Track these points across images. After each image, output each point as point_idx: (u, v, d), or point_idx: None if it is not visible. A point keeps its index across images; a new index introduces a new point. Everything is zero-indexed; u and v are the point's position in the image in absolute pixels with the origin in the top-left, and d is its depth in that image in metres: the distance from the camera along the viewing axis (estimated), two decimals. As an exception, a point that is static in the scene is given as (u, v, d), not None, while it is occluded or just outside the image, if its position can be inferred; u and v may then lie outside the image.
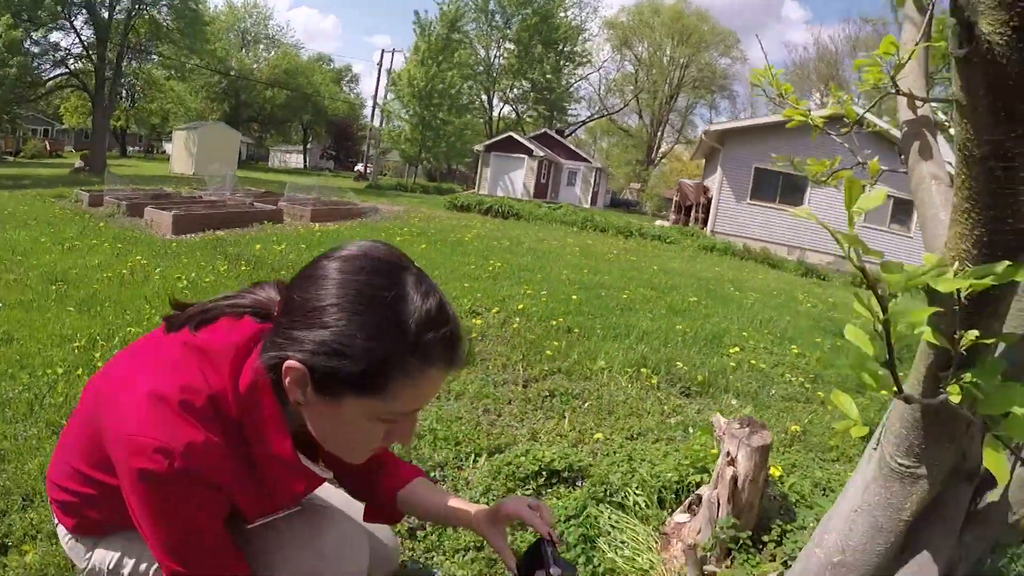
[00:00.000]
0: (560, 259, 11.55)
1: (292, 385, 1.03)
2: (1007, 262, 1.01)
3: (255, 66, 56.76)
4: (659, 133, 62.86)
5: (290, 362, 1.01)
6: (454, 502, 1.60)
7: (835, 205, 20.05)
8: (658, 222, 26.77)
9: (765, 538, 2.42)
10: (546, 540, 1.40)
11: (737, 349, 6.22)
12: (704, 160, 30.76)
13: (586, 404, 4.15)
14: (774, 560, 2.28)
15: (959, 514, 1.76)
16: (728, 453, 2.31)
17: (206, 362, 1.10)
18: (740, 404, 4.74)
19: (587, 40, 60.81)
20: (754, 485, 2.31)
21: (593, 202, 40.87)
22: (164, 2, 32.89)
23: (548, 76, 54.96)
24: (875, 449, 1.66)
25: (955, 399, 1.12)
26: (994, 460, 1.08)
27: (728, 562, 2.28)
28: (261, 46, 60.13)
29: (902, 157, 2.58)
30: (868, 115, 3.03)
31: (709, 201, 25.03)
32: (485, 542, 2.43)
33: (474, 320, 5.69)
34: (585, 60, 60.49)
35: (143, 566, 1.33)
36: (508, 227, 17.37)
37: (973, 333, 1.11)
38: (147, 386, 1.06)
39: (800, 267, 19.49)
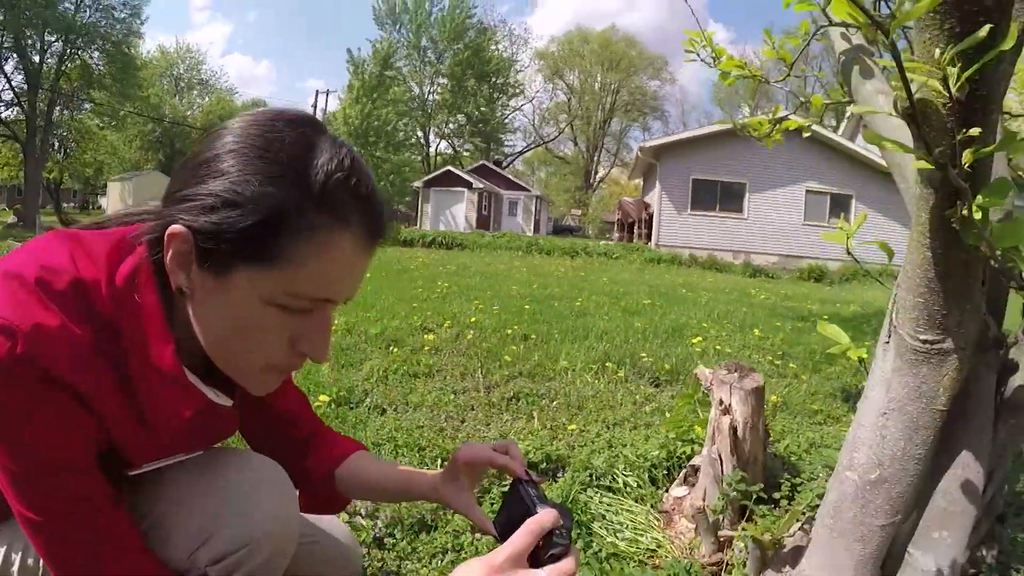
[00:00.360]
0: (509, 278, 11.37)
1: (175, 262, 0.83)
2: (988, 25, 0.90)
3: (189, 113, 55.50)
4: (595, 158, 63.82)
5: (173, 227, 0.80)
6: (404, 470, 1.29)
7: (772, 208, 20.56)
8: (603, 242, 26.88)
9: (776, 495, 2.18)
10: (524, 481, 1.07)
11: (700, 339, 6.05)
12: (642, 179, 31.07)
13: (554, 403, 3.89)
14: (798, 508, 2.04)
15: (989, 406, 1.64)
16: (721, 402, 2.09)
17: (78, 248, 0.85)
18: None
19: (519, 71, 61.79)
20: (755, 433, 2.09)
21: (536, 230, 40.98)
22: (96, 46, 32.44)
23: (482, 109, 55.42)
24: (888, 341, 1.50)
25: (977, 216, 1.06)
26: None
27: (743, 523, 2.03)
28: (195, 92, 59.07)
29: (843, 87, 2.53)
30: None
31: (651, 216, 25.24)
32: (468, 533, 2.16)
33: (426, 336, 5.41)
34: (518, 91, 61.29)
35: (31, 560, 1.00)
36: (453, 256, 17.20)
37: (975, 131, 1.00)
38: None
39: (747, 269, 19.78)
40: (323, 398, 3.43)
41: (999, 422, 1.71)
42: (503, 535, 0.94)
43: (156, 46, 56.84)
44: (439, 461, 2.87)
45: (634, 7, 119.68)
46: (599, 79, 61.25)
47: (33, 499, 0.83)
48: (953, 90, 0.94)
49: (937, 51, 0.97)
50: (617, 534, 2.19)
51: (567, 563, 0.88)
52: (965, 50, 0.93)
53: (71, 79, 32.84)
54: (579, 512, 2.29)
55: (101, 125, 38.01)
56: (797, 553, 1.78)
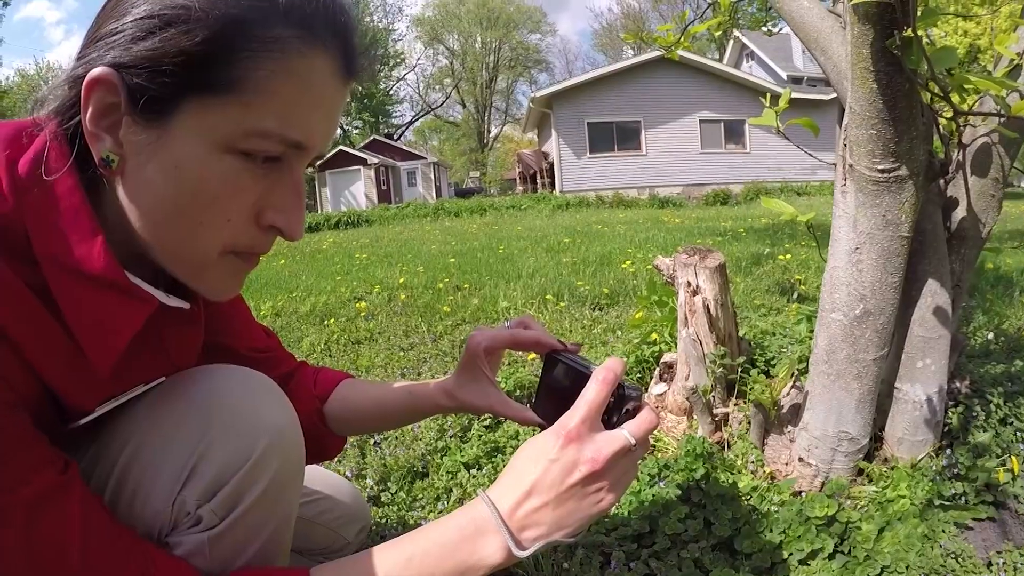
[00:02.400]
0: (425, 241, 11.25)
1: (98, 120, 0.62)
2: None
3: None
4: (486, 118, 63.46)
5: (92, 72, 0.60)
6: (403, 385, 1.12)
7: (669, 141, 20.90)
8: (508, 196, 26.88)
9: (754, 371, 2.20)
10: (561, 352, 0.95)
11: (629, 263, 6.11)
12: (536, 130, 31.05)
13: (505, 341, 3.86)
14: (788, 368, 2.07)
15: (941, 238, 1.72)
16: (688, 283, 2.08)
17: None
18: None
19: (397, 41, 60.63)
20: (726, 310, 2.11)
21: (438, 196, 40.68)
22: None
23: (366, 83, 54.33)
24: (845, 183, 1.56)
25: (920, 33, 1.13)
26: (980, 82, 1.17)
27: (734, 398, 2.03)
28: None
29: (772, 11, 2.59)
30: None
31: (551, 165, 25.31)
32: (464, 470, 2.10)
33: (358, 304, 5.28)
34: (399, 61, 60.19)
35: None
36: (362, 232, 16.89)
37: None
38: None
39: (654, 202, 20.15)
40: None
41: (951, 253, 1.80)
42: (553, 417, 0.76)
43: (15, 71, 53.39)
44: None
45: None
46: (479, 39, 60.72)
47: None
48: None
49: None
50: (609, 437, 2.18)
51: (647, 416, 0.75)
52: None
53: (-75, 114, 30.89)
54: (564, 425, 2.27)
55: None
56: (795, 411, 1.80)
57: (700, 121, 23.87)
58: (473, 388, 1.04)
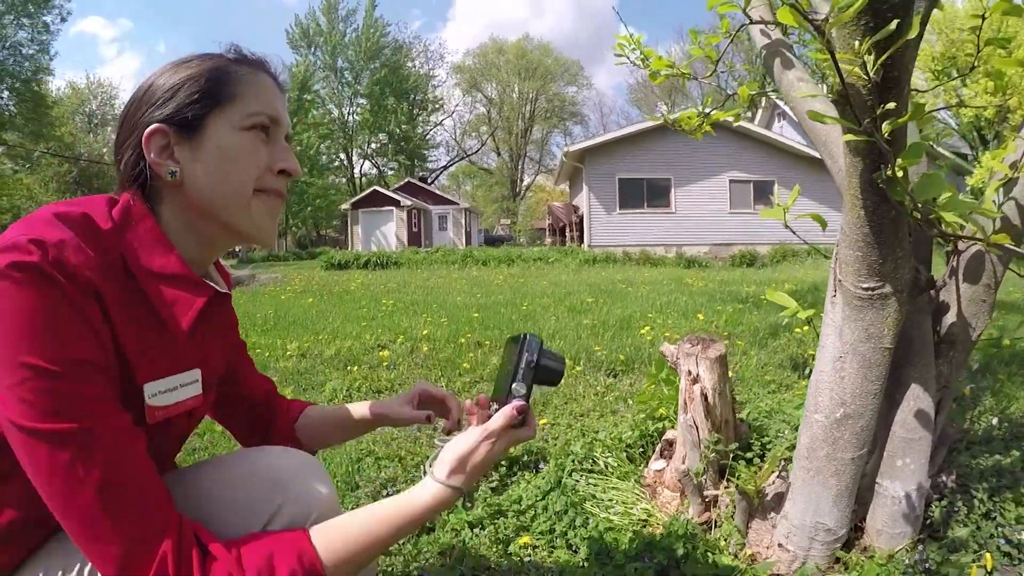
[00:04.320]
0: (450, 290, 11.44)
1: (160, 155, 1.00)
2: (896, 20, 1.10)
3: (105, 150, 51.89)
4: (520, 167, 64.14)
5: (147, 129, 0.99)
6: (358, 406, 1.47)
7: (699, 200, 20.99)
8: (536, 248, 27.09)
9: (748, 454, 2.34)
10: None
11: (648, 328, 6.24)
12: (568, 183, 31.40)
13: (519, 401, 4.01)
14: (774, 459, 2.20)
15: (929, 344, 1.85)
16: (689, 372, 2.23)
17: (76, 203, 0.96)
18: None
19: (437, 87, 62.01)
20: (723, 398, 2.25)
21: (467, 242, 41.02)
22: (4, 85, 31.27)
23: (403, 126, 55.28)
24: (835, 295, 1.69)
25: (900, 174, 1.26)
26: (951, 216, 1.25)
27: (724, 481, 2.17)
28: (109, 128, 55.21)
29: (768, 78, 2.77)
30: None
31: (581, 219, 25.53)
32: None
33: (381, 352, 5.46)
34: (438, 106, 61.36)
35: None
36: (390, 275, 17.16)
37: (891, 105, 1.19)
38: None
39: (680, 260, 20.23)
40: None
41: (939, 357, 1.93)
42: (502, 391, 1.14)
43: (66, 83, 54.51)
44: (422, 469, 2.95)
45: (542, 14, 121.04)
46: (517, 88, 61.77)
47: (61, 404, 0.81)
48: (871, 73, 1.13)
49: (856, 43, 1.15)
50: (609, 510, 2.32)
51: (503, 417, 1.08)
52: (878, 41, 1.12)
53: (-21, 121, 31.59)
54: (569, 494, 2.41)
55: (16, 168, 36.56)
56: (779, 498, 1.94)
57: (730, 181, 24.01)
58: (395, 408, 1.43)
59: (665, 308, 8.09)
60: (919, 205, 1.27)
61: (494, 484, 2.66)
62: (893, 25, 1.08)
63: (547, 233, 33.73)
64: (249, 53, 1.11)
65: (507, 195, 63.14)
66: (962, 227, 1.54)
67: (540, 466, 2.84)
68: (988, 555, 1.86)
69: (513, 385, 1.10)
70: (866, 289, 1.59)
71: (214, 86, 1.01)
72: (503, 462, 2.79)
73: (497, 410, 1.09)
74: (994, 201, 1.80)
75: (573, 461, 2.71)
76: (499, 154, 64.92)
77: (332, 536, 0.96)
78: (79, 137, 49.86)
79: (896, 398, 1.84)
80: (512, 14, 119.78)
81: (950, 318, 1.90)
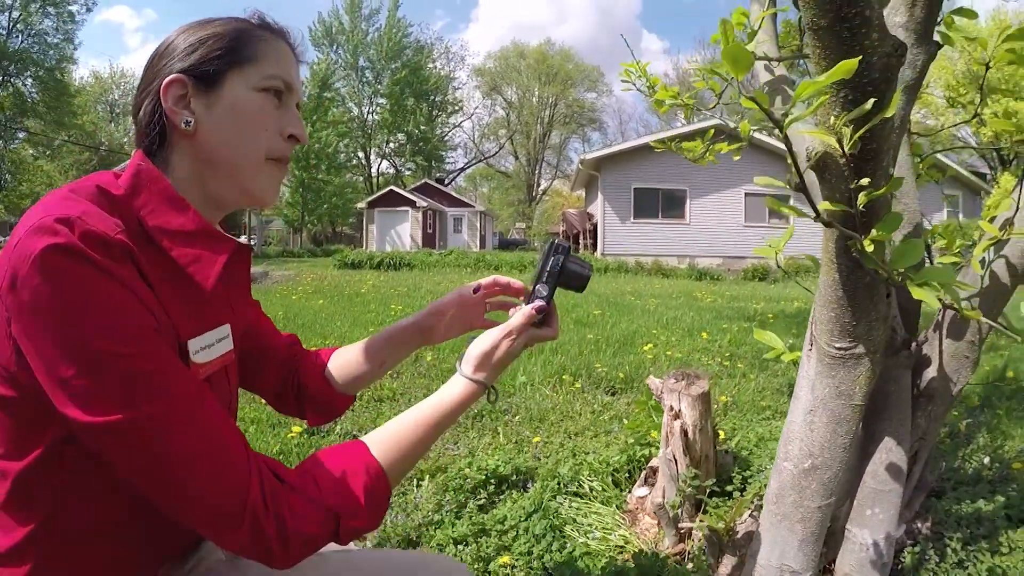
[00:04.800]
0: (461, 296, 11.47)
1: (176, 104, 1.01)
2: (872, 99, 1.11)
3: (126, 140, 53.39)
4: (537, 171, 64.24)
5: (167, 78, 1.00)
6: (380, 335, 1.42)
7: (714, 213, 20.95)
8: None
9: (728, 488, 2.41)
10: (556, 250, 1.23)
11: (651, 346, 6.29)
12: (584, 190, 31.44)
13: (517, 417, 4.07)
14: (747, 498, 2.26)
15: (906, 399, 1.88)
16: (671, 408, 2.29)
17: (85, 179, 0.96)
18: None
19: (457, 88, 62.23)
20: (704, 435, 2.30)
21: (482, 245, 41.12)
22: (29, 73, 31.51)
23: (422, 127, 55.37)
24: (811, 349, 1.73)
25: (869, 248, 1.24)
26: (922, 293, 1.18)
27: (700, 515, 2.24)
28: (131, 119, 56.49)
29: (768, 114, 2.80)
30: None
31: (595, 227, 25.57)
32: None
33: (387, 359, 5.53)
34: (457, 108, 61.61)
35: None
36: (402, 277, 17.25)
37: (865, 180, 1.21)
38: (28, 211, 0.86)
39: (692, 272, 20.21)
40: (296, 429, 3.56)
41: (918, 410, 1.96)
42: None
43: (90, 71, 54.96)
44: (415, 482, 3.02)
45: (565, 19, 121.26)
46: (537, 93, 61.88)
47: (136, 386, 0.81)
48: (846, 149, 1.16)
49: (832, 117, 1.19)
50: (588, 534, 2.38)
51: (523, 317, 1.16)
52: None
53: (3, 108, 32.01)
54: (551, 517, 2.48)
55: (36, 155, 36.82)
56: (749, 537, 1.99)
57: (745, 194, 23.97)
58: (439, 303, 1.38)
59: (671, 324, 8.14)
60: (893, 273, 1.26)
61: (481, 502, 2.73)
62: (869, 105, 1.10)
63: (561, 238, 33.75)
64: (272, 21, 1.13)
65: (523, 199, 63.21)
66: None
67: (528, 485, 2.91)
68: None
69: (536, 286, 1.19)
70: (838, 348, 1.61)
71: (236, 44, 1.03)
72: (491, 481, 2.87)
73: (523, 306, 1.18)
74: (982, 260, 1.84)
75: (559, 484, 2.78)
76: (516, 158, 65.00)
77: (388, 445, 1.02)
78: (100, 126, 50.20)
79: (869, 450, 1.88)
80: (535, 18, 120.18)
81: (931, 372, 1.92)
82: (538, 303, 1.17)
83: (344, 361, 1.40)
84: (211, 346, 1.04)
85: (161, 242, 0.94)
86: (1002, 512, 2.58)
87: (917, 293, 1.19)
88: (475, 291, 1.36)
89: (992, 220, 1.81)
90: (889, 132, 1.28)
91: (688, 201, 24.10)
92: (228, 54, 1.02)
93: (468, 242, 40.56)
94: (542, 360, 5.62)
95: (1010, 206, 1.76)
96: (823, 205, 1.30)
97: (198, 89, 1.00)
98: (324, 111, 36.16)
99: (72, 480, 0.90)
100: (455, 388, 1.10)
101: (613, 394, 4.76)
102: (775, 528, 1.84)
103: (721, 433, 3.20)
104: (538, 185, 64.67)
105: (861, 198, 1.21)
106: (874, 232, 1.24)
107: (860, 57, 1.08)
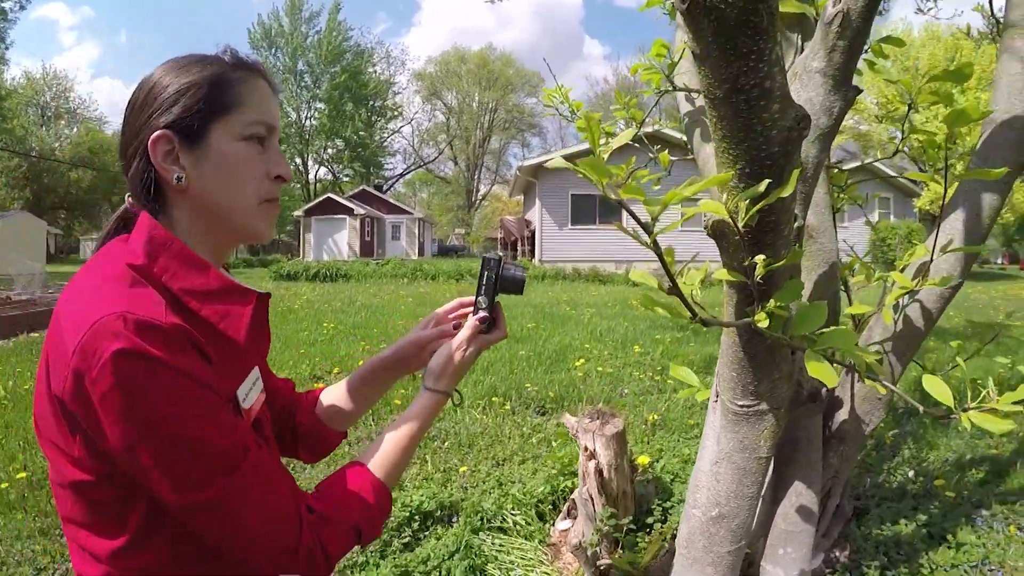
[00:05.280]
0: (395, 311, 11.41)
1: (165, 160, 1.02)
2: (768, 180, 1.11)
3: (57, 145, 50.96)
4: (476, 176, 64.13)
5: (152, 136, 1.01)
6: (362, 369, 1.47)
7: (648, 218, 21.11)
8: (488, 261, 27.08)
9: (649, 519, 2.44)
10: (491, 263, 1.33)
11: (582, 361, 6.34)
12: (523, 196, 31.50)
13: (446, 443, 4.05)
14: (662, 536, 2.29)
15: (816, 444, 1.91)
16: (586, 448, 2.31)
17: (105, 257, 1.01)
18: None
19: (397, 93, 61.28)
20: (619, 473, 2.32)
21: (420, 252, 40.90)
22: None
23: (361, 133, 54.51)
24: (716, 401, 1.74)
25: (763, 324, 1.21)
26: (818, 368, 1.12)
27: (619, 550, 2.26)
28: (63, 122, 53.88)
29: (688, 145, 2.81)
30: (667, 131, 3.23)
31: (533, 234, 25.63)
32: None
33: (316, 384, 5.47)
34: (397, 113, 60.82)
35: None
36: (338, 289, 17.03)
37: (760, 258, 1.20)
38: (69, 306, 0.91)
39: (630, 279, 20.30)
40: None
41: (830, 451, 2.00)
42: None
43: (22, 72, 52.63)
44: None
45: (508, 25, 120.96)
46: (477, 98, 61.72)
47: (198, 471, 0.88)
48: (740, 225, 1.16)
49: (726, 195, 1.19)
50: (510, 573, 2.38)
51: (469, 330, 1.26)
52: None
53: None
54: (473, 557, 2.47)
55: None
56: (667, 569, 2.01)
57: (683, 202, 24.23)
58: (411, 335, 1.41)
59: (604, 336, 8.19)
60: (793, 339, 1.23)
61: (407, 540, 2.71)
62: (762, 186, 1.09)
63: (499, 246, 33.79)
64: (245, 57, 1.13)
65: (462, 205, 63.09)
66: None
67: (455, 519, 2.90)
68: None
69: (477, 299, 1.30)
70: (741, 406, 1.63)
71: (216, 94, 1.04)
72: (416, 517, 2.85)
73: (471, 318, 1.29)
74: (894, 307, 1.88)
75: (482, 519, 2.77)
76: (456, 163, 64.82)
77: (382, 462, 1.13)
78: (31, 131, 48.10)
79: (779, 494, 1.91)
80: (477, 23, 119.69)
81: (842, 415, 1.96)
82: (481, 314, 1.28)
83: (332, 399, 1.45)
84: (251, 389, 1.11)
85: (189, 304, 0.99)
86: (922, 532, 2.66)
87: (814, 369, 1.13)
88: (455, 327, 1.41)
89: (903, 270, 1.83)
90: (790, 205, 1.27)
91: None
92: (209, 105, 1.03)
93: (407, 249, 40.30)
94: (472, 380, 5.61)
95: (925, 253, 1.78)
96: (719, 273, 1.30)
97: (184, 144, 1.02)
98: (260, 117, 35.40)
99: (160, 554, 0.97)
100: (423, 401, 1.20)
101: (543, 414, 4.77)
102: (687, 570, 1.86)
103: (644, 459, 3.24)
104: (477, 191, 64.60)
105: (759, 268, 1.20)
106: (771, 303, 1.22)
107: (756, 132, 1.09)
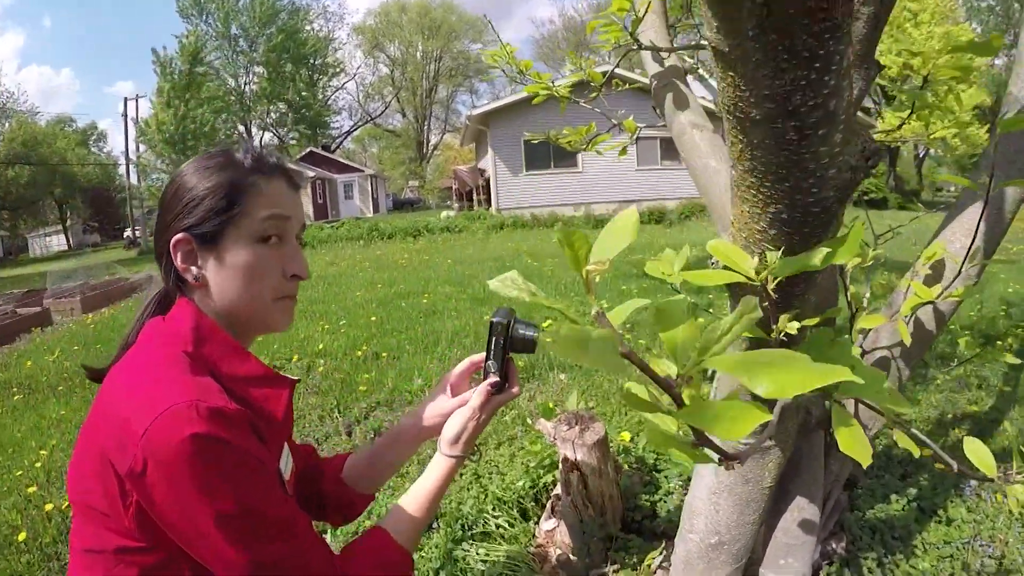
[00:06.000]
0: (353, 279, 11.16)
1: (186, 261, 1.10)
2: (825, 250, 0.86)
3: None
4: (426, 127, 63.11)
5: (174, 239, 1.08)
6: (387, 434, 1.49)
7: (606, 158, 21.00)
8: (444, 213, 26.78)
9: (637, 516, 2.31)
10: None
11: (550, 321, 6.18)
12: (475, 144, 31.03)
13: (418, 428, 3.88)
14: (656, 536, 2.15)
15: (818, 456, 1.77)
16: (566, 459, 2.14)
17: (154, 340, 1.08)
18: (569, 378, 4.67)
19: (338, 50, 59.42)
20: (604, 478, 2.18)
21: (375, 209, 40.34)
22: None
23: (304, 94, 52.99)
24: None
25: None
26: (853, 445, 0.91)
27: (609, 552, 2.12)
28: None
29: (657, 111, 2.58)
30: (619, 72, 2.98)
31: (488, 182, 25.31)
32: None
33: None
34: (339, 70, 59.08)
35: None
36: (295, 257, 16.70)
37: (786, 319, 0.99)
38: (132, 391, 0.98)
39: (589, 220, 20.32)
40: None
41: (831, 458, 1.86)
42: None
43: None
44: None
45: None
46: (420, 48, 60.24)
47: (269, 537, 0.97)
48: (770, 289, 0.93)
49: (756, 259, 0.95)
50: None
51: (481, 395, 1.27)
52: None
53: None
54: (458, 572, 2.32)
55: None
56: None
57: (637, 138, 23.97)
58: (432, 403, 1.42)
59: (570, 290, 8.04)
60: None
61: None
62: (818, 257, 0.86)
63: (453, 196, 33.42)
64: (268, 155, 1.18)
65: (414, 157, 62.17)
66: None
67: (435, 525, 2.74)
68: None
69: (487, 363, 1.28)
70: (745, 444, 1.47)
71: (231, 200, 1.09)
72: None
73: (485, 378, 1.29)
74: (906, 319, 1.69)
75: (463, 526, 2.62)
76: (404, 115, 63.66)
77: (403, 528, 1.19)
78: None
79: (781, 507, 1.78)
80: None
81: None
82: (492, 379, 1.28)
83: (356, 463, 1.47)
84: (286, 462, 1.22)
85: (235, 388, 1.06)
86: (914, 507, 2.58)
87: (847, 444, 0.91)
88: (471, 382, 1.44)
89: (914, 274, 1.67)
90: (828, 267, 1.03)
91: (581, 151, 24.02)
92: (223, 212, 1.09)
93: (361, 207, 39.69)
94: (439, 354, 5.43)
95: (941, 253, 1.61)
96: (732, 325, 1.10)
97: (202, 246, 1.09)
98: (198, 88, 34.13)
99: None
100: (439, 466, 1.25)
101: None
102: None
103: (626, 435, 3.09)
104: (428, 141, 63.67)
105: (782, 324, 0.99)
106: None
107: (806, 171, 0.85)
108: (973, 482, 2.77)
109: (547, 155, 23.91)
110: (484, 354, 1.34)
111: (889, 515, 2.50)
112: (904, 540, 2.38)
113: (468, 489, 2.93)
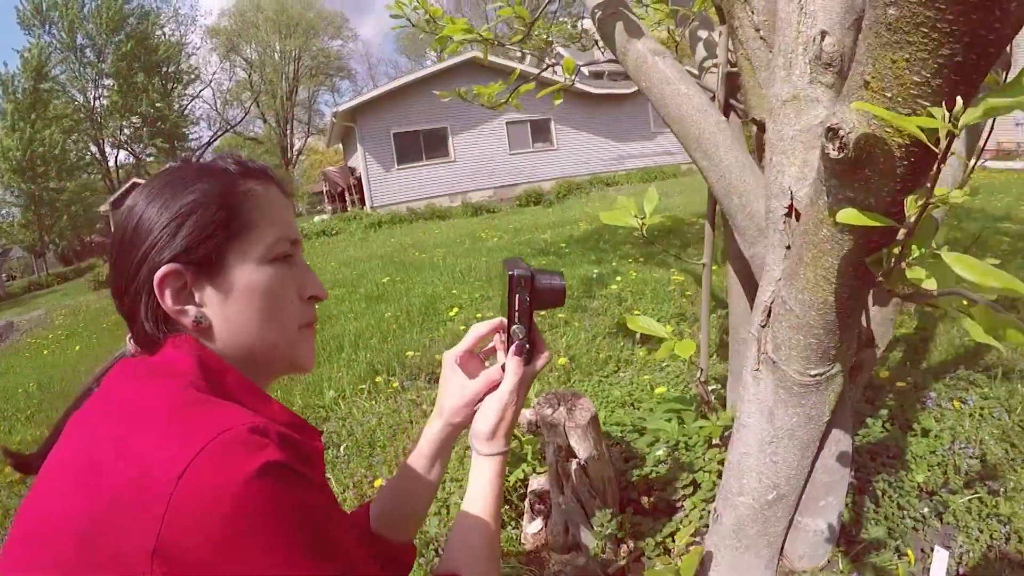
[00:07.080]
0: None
1: (178, 301, 0.85)
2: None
3: None
4: (289, 131, 61.37)
5: (155, 276, 0.83)
6: (409, 457, 1.22)
7: (477, 145, 20.91)
8: (317, 217, 26.06)
9: (632, 494, 2.17)
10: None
11: (456, 310, 5.88)
12: (341, 144, 30.30)
13: (342, 449, 3.46)
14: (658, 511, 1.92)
15: (848, 385, 1.70)
16: (559, 448, 1.86)
17: (148, 377, 0.81)
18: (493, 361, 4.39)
19: (192, 55, 56.37)
20: (601, 461, 1.95)
21: (245, 220, 39.10)
22: None
23: (158, 104, 49.40)
24: (758, 370, 1.38)
25: (917, 275, 0.89)
26: (985, 337, 0.83)
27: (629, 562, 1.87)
28: None
29: (600, 45, 2.38)
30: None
31: (359, 180, 24.77)
32: None
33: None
34: (194, 77, 56.02)
35: None
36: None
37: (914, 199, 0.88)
38: (126, 443, 0.70)
39: (467, 209, 20.24)
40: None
41: (849, 382, 1.77)
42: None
43: None
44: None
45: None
46: (278, 48, 58.27)
47: (349, 567, 0.75)
48: (942, 137, 0.75)
49: (946, 107, 0.77)
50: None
51: (514, 367, 1.06)
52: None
53: None
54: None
55: None
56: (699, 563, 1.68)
57: (506, 123, 24.00)
58: (453, 392, 1.14)
59: (466, 276, 7.75)
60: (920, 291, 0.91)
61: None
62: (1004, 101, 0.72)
63: (325, 200, 32.65)
64: (250, 162, 0.98)
65: (279, 163, 60.40)
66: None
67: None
68: (909, 552, 1.86)
69: (513, 328, 1.05)
70: (814, 376, 1.31)
71: (226, 214, 0.88)
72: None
73: (507, 343, 1.07)
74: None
75: (436, 551, 2.28)
76: (265, 120, 61.68)
77: (470, 560, 1.00)
78: None
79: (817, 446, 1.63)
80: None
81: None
82: (518, 345, 1.05)
83: (388, 506, 1.19)
84: None
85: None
86: (893, 427, 2.63)
87: (982, 335, 0.83)
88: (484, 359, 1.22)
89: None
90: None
91: (450, 138, 23.73)
92: (221, 228, 0.87)
93: (229, 220, 38.33)
94: (345, 358, 5.03)
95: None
96: (845, 216, 0.89)
97: (199, 277, 0.86)
98: (44, 106, 31.77)
99: None
100: (484, 470, 1.06)
101: (436, 382, 4.28)
102: (739, 557, 1.62)
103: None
104: (292, 146, 62.02)
105: (910, 205, 0.85)
106: (913, 250, 0.91)
107: None
108: (932, 393, 2.92)
109: (418, 148, 23.63)
110: (491, 321, 1.14)
111: (878, 438, 2.50)
112: (897, 458, 2.39)
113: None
